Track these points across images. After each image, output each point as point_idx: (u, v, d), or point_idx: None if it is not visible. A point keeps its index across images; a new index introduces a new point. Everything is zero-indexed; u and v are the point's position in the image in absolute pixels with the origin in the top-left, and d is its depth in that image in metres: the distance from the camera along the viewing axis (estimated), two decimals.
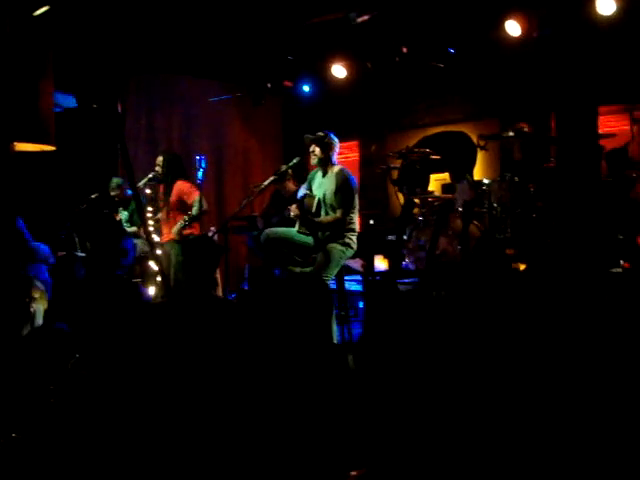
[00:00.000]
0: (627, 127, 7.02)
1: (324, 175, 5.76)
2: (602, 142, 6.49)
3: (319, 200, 5.65)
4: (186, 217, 6.49)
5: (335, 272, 5.58)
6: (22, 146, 2.53)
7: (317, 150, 5.69)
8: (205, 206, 6.61)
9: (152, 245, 3.67)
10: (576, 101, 6.34)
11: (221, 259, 6.64)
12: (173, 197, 6.69)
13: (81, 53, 7.07)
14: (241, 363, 2.41)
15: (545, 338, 3.44)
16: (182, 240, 6.53)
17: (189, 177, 6.83)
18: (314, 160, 5.74)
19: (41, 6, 5.95)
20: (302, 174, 7.20)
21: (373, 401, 2.97)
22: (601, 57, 6.61)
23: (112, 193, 7.34)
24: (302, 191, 5.97)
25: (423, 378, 3.13)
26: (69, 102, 7.26)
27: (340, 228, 5.57)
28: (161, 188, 6.80)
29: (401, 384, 3.11)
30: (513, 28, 7.10)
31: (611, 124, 7.30)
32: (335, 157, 5.79)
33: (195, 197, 6.57)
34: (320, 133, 5.72)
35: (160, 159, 6.77)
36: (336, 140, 5.76)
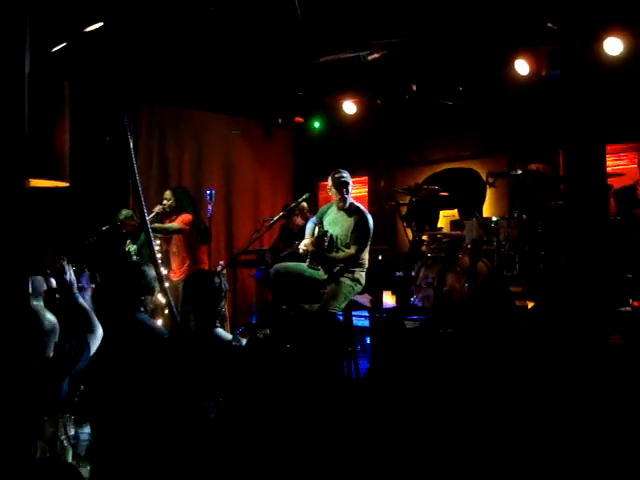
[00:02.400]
0: (635, 166, 7.05)
1: (341, 212, 5.78)
2: (610, 181, 6.52)
3: (332, 236, 5.67)
4: (156, 223, 6.55)
5: (343, 306, 5.58)
6: (36, 182, 2.56)
7: (334, 190, 5.73)
8: (182, 228, 6.65)
9: (161, 278, 3.68)
10: (584, 139, 6.38)
11: (227, 294, 6.59)
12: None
13: (93, 85, 7.15)
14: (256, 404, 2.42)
15: (552, 376, 3.44)
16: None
17: (198, 211, 6.87)
18: (337, 199, 5.76)
19: (58, 43, 6.06)
20: (314, 208, 7.23)
21: (379, 438, 2.96)
22: (609, 96, 6.65)
23: (120, 224, 7.35)
24: (311, 224, 5.98)
25: (428, 414, 3.13)
26: None
27: (351, 263, 5.59)
28: (167, 222, 6.83)
29: (407, 419, 3.10)
30: (521, 67, 7.16)
31: (619, 163, 7.33)
32: (351, 194, 5.82)
33: (180, 219, 6.66)
34: (338, 175, 5.74)
35: (169, 193, 6.84)
36: (349, 178, 5.79)
